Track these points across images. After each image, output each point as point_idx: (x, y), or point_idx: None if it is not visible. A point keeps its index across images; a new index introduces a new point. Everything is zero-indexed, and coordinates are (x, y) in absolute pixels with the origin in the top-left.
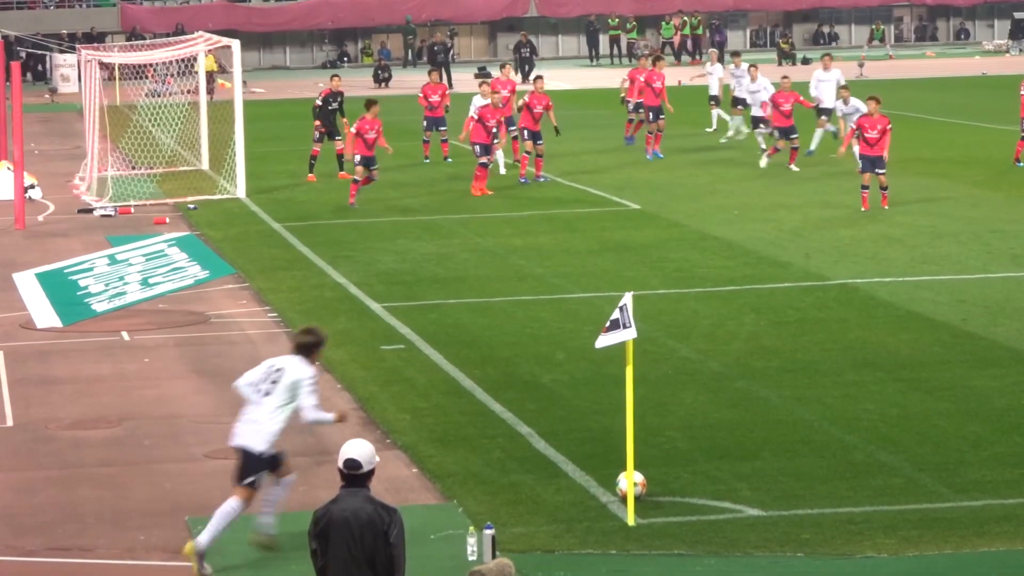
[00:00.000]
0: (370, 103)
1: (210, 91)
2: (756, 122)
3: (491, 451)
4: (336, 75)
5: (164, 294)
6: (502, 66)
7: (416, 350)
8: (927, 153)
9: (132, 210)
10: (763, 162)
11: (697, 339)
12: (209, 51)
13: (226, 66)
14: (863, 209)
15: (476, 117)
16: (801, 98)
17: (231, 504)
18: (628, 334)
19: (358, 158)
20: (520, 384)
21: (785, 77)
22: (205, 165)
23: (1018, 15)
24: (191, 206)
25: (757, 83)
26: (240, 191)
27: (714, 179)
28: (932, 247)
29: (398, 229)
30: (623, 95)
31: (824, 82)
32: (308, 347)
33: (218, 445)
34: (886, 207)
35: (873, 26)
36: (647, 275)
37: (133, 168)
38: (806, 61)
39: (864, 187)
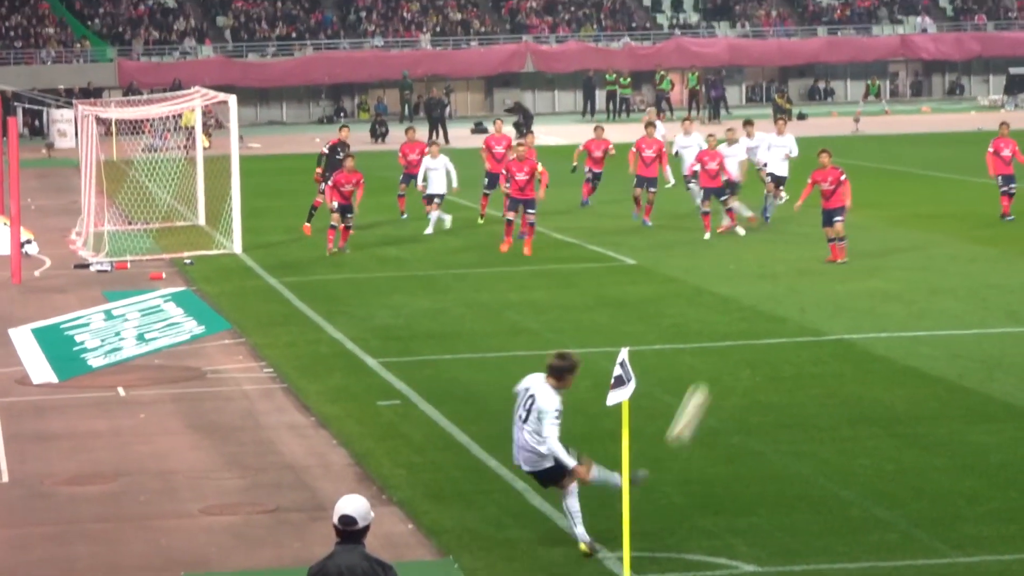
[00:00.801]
0: (346, 156)
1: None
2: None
3: (487, 507)
4: (345, 126)
5: (160, 349)
6: (494, 121)
7: (412, 405)
8: (923, 208)
9: (128, 265)
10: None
11: None
12: (197, 107)
13: (222, 120)
14: (837, 260)
15: (505, 173)
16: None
17: (571, 501)
18: (631, 388)
19: (335, 204)
20: None
21: (711, 135)
22: (202, 220)
23: (1013, 70)
24: (187, 261)
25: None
26: (236, 246)
27: (710, 234)
28: (928, 302)
29: (394, 284)
30: (576, 164)
31: (776, 147)
32: (560, 371)
33: (214, 501)
34: (840, 260)
35: (868, 81)
36: (643, 330)
37: (130, 223)
38: (802, 116)
39: (830, 240)
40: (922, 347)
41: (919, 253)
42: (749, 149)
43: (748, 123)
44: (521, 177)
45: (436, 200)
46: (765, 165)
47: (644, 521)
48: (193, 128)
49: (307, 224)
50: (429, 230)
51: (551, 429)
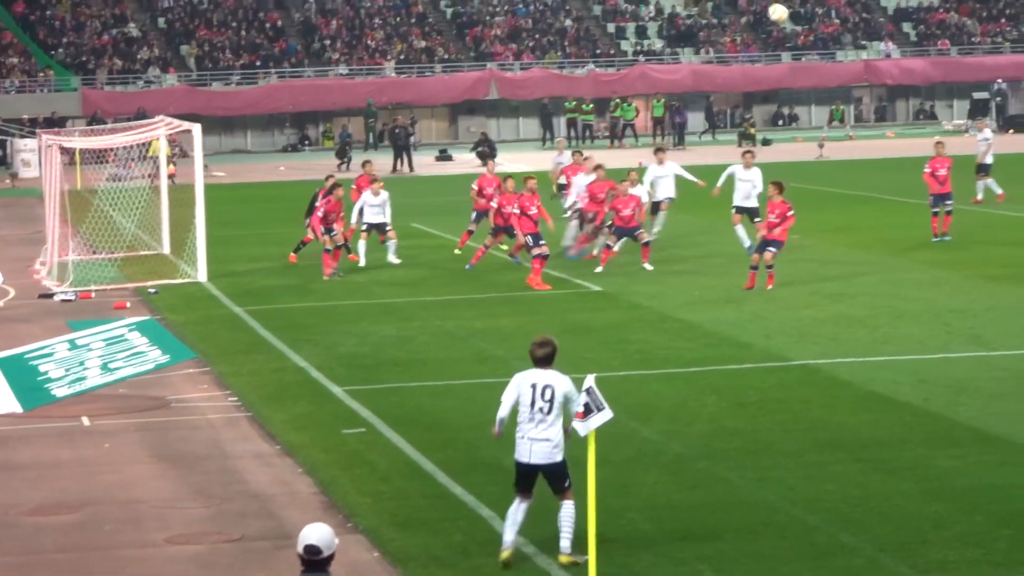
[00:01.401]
0: (335, 187)
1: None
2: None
3: (453, 534)
4: (368, 160)
5: (125, 379)
6: (485, 163)
7: (377, 433)
8: (887, 233)
9: (93, 295)
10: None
11: (659, 420)
12: (162, 136)
13: (187, 150)
14: (755, 287)
15: (518, 210)
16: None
17: (569, 508)
18: (605, 416)
19: (322, 229)
20: (482, 467)
21: (624, 180)
22: (166, 249)
23: (977, 95)
24: (152, 290)
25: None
26: (201, 275)
27: (676, 262)
28: (892, 327)
29: (359, 312)
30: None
31: (662, 178)
32: (553, 356)
33: (179, 530)
34: (770, 287)
35: (833, 107)
36: (608, 357)
37: (94, 252)
38: (767, 142)
39: (753, 267)
40: (887, 372)
41: (883, 278)
42: (658, 178)
43: (660, 150)
44: (533, 211)
45: (387, 229)
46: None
47: (611, 547)
48: (156, 157)
49: (293, 254)
50: (393, 259)
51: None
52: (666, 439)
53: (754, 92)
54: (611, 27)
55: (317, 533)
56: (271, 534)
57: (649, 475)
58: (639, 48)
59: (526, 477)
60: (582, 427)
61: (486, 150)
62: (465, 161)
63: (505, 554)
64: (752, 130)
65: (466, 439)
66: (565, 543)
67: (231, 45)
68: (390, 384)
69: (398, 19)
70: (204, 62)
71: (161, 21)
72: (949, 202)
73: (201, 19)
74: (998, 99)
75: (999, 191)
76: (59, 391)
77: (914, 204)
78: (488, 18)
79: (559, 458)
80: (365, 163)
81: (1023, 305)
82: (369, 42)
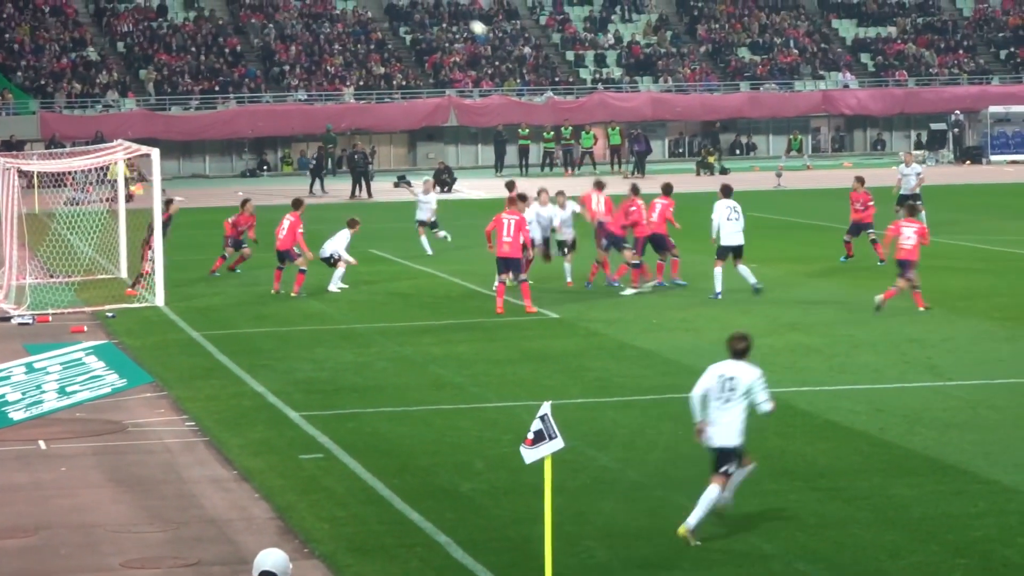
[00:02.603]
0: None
1: (128, 198)
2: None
3: (409, 560)
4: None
5: (82, 403)
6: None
7: (334, 459)
8: (845, 264)
9: (50, 318)
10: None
11: (616, 448)
12: (128, 159)
13: (145, 174)
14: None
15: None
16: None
17: (712, 491)
18: (555, 445)
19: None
20: (439, 493)
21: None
22: (123, 273)
23: (934, 126)
24: (109, 314)
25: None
26: (159, 299)
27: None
28: (849, 356)
29: (316, 337)
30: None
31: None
32: (747, 351)
33: (135, 554)
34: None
35: (791, 136)
36: (566, 384)
37: (51, 276)
38: (725, 171)
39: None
40: (843, 401)
41: (839, 307)
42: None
43: (560, 193)
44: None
45: (335, 258)
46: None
47: (567, 575)
48: (115, 181)
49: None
50: (334, 287)
51: (763, 394)
52: (623, 467)
53: (712, 121)
54: (570, 55)
55: (272, 559)
56: (228, 559)
57: (606, 503)
58: (598, 76)
59: (714, 461)
60: (529, 454)
61: (446, 178)
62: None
63: (681, 530)
64: (711, 159)
65: (423, 465)
66: (693, 520)
67: (190, 70)
68: (347, 410)
69: (357, 45)
70: (163, 87)
71: (120, 45)
72: (872, 231)
73: (160, 44)
74: (955, 130)
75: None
76: (16, 414)
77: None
78: (447, 45)
79: (734, 443)
80: (245, 202)
81: (979, 335)
82: (328, 68)
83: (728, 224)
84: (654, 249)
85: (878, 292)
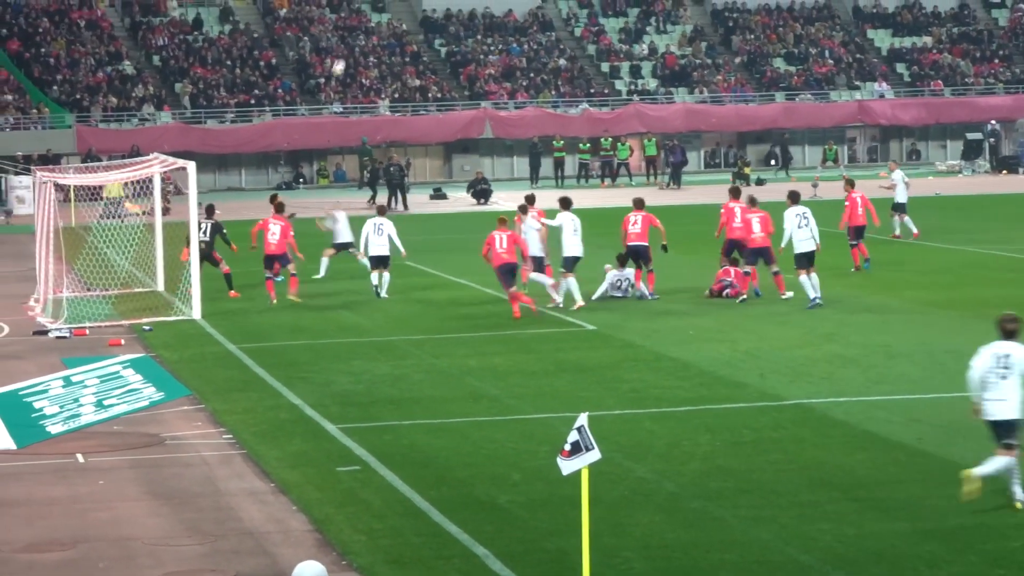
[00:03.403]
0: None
1: (119, 215)
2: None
3: (447, 572)
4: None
5: (119, 416)
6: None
7: (372, 471)
8: (881, 274)
9: (87, 332)
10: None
11: (653, 459)
12: (156, 173)
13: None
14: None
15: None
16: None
17: (1000, 461)
18: (592, 456)
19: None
20: (476, 505)
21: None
22: (160, 286)
23: (970, 136)
24: (146, 328)
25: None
26: (195, 312)
27: (670, 301)
28: (886, 367)
29: (352, 350)
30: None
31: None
32: (1016, 332)
33: (173, 567)
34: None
35: (826, 147)
36: (602, 395)
37: (88, 289)
38: (760, 182)
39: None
40: (880, 412)
41: (876, 318)
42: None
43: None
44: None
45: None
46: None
47: None
48: (116, 199)
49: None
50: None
51: None
52: (660, 478)
53: (747, 132)
54: (605, 66)
55: (310, 571)
56: (265, 572)
57: (643, 514)
58: (633, 87)
59: (995, 433)
60: (567, 465)
61: (485, 188)
62: (459, 200)
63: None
64: (747, 169)
65: (460, 477)
66: (981, 471)
67: (225, 83)
68: (384, 422)
69: (392, 58)
70: (198, 100)
71: (156, 59)
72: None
73: (195, 57)
74: (991, 140)
75: (914, 229)
76: (53, 428)
77: (908, 244)
78: (482, 57)
79: (1013, 416)
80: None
81: None
82: (363, 81)
83: (800, 232)
84: (634, 260)
85: (915, 303)
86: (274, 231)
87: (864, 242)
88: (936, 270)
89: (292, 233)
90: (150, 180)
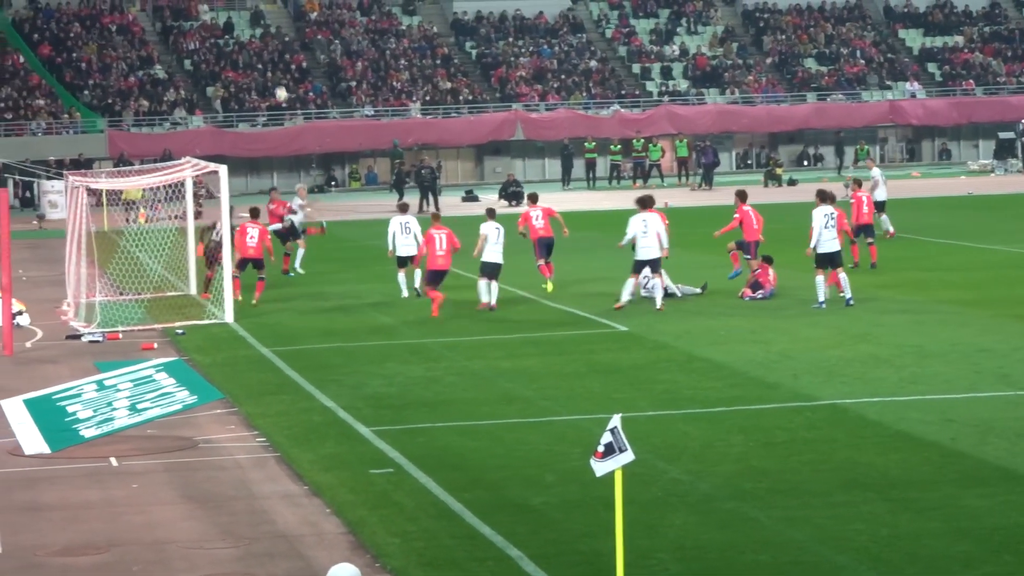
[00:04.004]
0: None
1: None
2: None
3: (481, 574)
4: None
5: (152, 419)
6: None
7: (405, 474)
8: (914, 274)
9: (120, 336)
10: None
11: (686, 460)
12: (188, 177)
13: (213, 191)
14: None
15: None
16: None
17: None
18: (626, 457)
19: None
20: (509, 507)
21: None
22: (193, 290)
23: (1002, 135)
24: (179, 331)
25: None
26: (228, 316)
27: (702, 301)
28: (920, 367)
29: (385, 352)
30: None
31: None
32: None
33: (207, 571)
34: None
35: (857, 146)
36: (635, 397)
37: (121, 294)
38: (792, 182)
39: None
40: (914, 412)
41: (909, 318)
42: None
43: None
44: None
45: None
46: None
47: None
48: (132, 201)
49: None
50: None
51: None
52: (694, 479)
53: (779, 132)
54: (636, 68)
55: (345, 573)
56: (300, 574)
57: (677, 515)
58: (664, 88)
59: None
60: (600, 467)
61: (518, 190)
62: (491, 202)
63: None
64: (779, 170)
65: (493, 479)
66: None
67: (257, 87)
68: (417, 424)
69: (423, 60)
70: (230, 104)
71: (187, 63)
72: (870, 238)
73: (227, 61)
74: (1023, 139)
75: (890, 229)
76: (87, 432)
77: (941, 244)
78: (513, 59)
79: None
80: (272, 189)
81: None
82: (395, 84)
83: (826, 232)
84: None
85: (948, 303)
86: (252, 235)
87: (875, 244)
88: (969, 269)
89: (269, 238)
90: (182, 184)
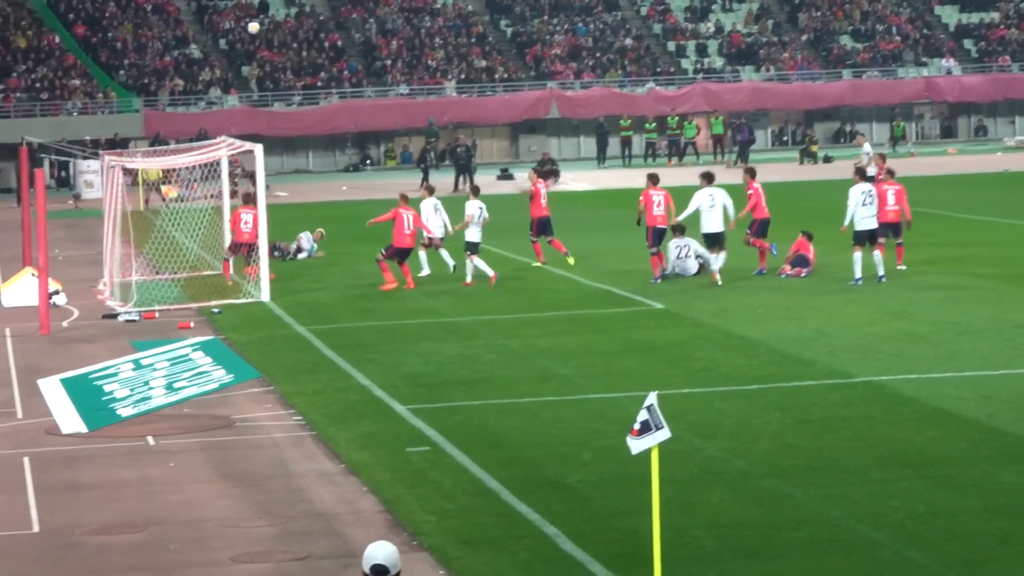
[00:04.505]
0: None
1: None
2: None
3: (518, 552)
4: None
5: (189, 398)
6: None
7: (442, 452)
8: (950, 250)
9: (156, 315)
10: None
11: (723, 438)
12: (224, 156)
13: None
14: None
15: None
16: None
17: None
18: (662, 435)
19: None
20: (546, 485)
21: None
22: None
23: None
24: (215, 310)
25: None
26: (264, 295)
27: (739, 279)
28: (956, 343)
29: (422, 331)
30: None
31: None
32: None
33: (245, 549)
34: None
35: (893, 123)
36: (672, 374)
37: (157, 273)
38: (828, 159)
39: None
40: (951, 388)
41: (945, 294)
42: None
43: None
44: None
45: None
46: None
47: (676, 566)
48: (153, 182)
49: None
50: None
51: None
52: (730, 456)
53: (815, 110)
54: (671, 45)
55: (383, 552)
56: (337, 553)
57: (714, 493)
58: (699, 66)
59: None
60: (636, 445)
61: (554, 168)
62: (526, 180)
63: None
64: (814, 147)
65: (530, 457)
66: None
67: (292, 66)
68: (454, 403)
69: (458, 39)
70: (265, 83)
71: (222, 42)
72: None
73: (262, 40)
74: None
75: None
76: (124, 411)
77: (977, 221)
78: (548, 37)
79: None
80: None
81: None
82: (429, 62)
83: (863, 209)
84: (658, 240)
85: (985, 279)
86: (247, 220)
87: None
88: (1006, 246)
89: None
90: (218, 163)
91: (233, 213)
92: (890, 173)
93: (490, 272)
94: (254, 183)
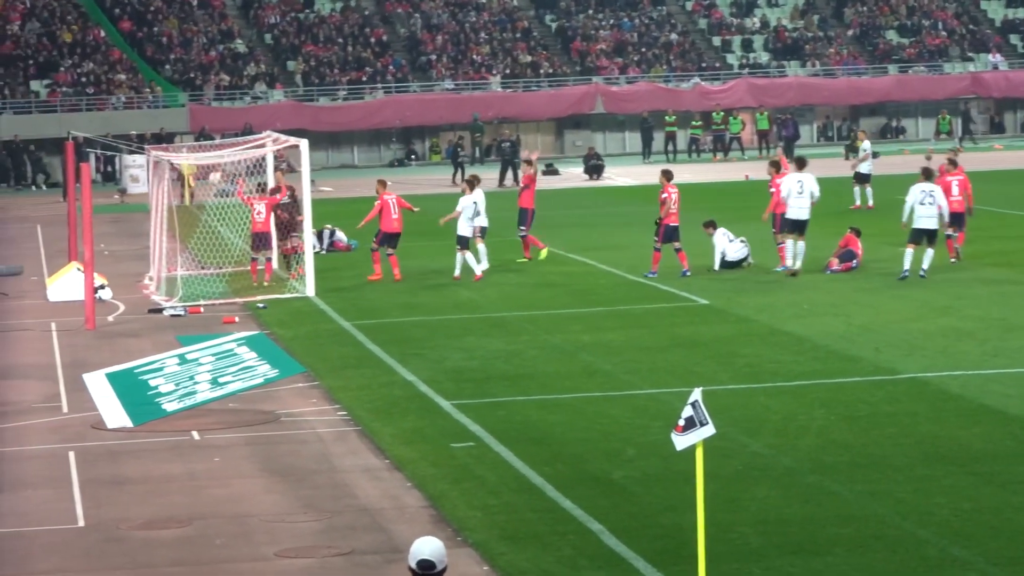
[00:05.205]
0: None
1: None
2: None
3: (562, 548)
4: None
5: (234, 393)
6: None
7: (486, 447)
8: (997, 246)
9: (202, 310)
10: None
11: (768, 434)
12: (269, 151)
13: (294, 164)
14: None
15: None
16: None
17: None
18: (707, 431)
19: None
20: (590, 481)
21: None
22: (274, 264)
23: None
24: (260, 305)
25: None
26: (309, 290)
27: (783, 275)
28: (1003, 340)
29: (466, 326)
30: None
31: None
32: None
33: (289, 544)
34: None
35: (939, 117)
36: (717, 370)
37: (202, 268)
38: (874, 155)
39: None
40: (996, 385)
41: (992, 290)
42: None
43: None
44: None
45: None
46: None
47: (721, 562)
48: (186, 176)
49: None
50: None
51: None
52: (775, 453)
53: (860, 105)
54: (717, 40)
55: (430, 547)
56: (381, 548)
57: (759, 489)
58: (745, 61)
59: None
60: (681, 441)
61: (599, 163)
62: (573, 176)
63: None
64: (859, 143)
65: (574, 453)
66: None
67: (337, 60)
68: (498, 398)
69: (503, 34)
70: (311, 78)
71: (268, 37)
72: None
73: (307, 35)
74: None
75: (871, 202)
76: (169, 405)
77: (1022, 217)
78: (593, 32)
79: None
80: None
81: None
82: (475, 57)
83: (921, 208)
84: (668, 239)
85: None
86: (260, 210)
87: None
88: None
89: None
90: (263, 158)
91: (247, 200)
92: (952, 163)
93: (477, 271)
94: (283, 174)
